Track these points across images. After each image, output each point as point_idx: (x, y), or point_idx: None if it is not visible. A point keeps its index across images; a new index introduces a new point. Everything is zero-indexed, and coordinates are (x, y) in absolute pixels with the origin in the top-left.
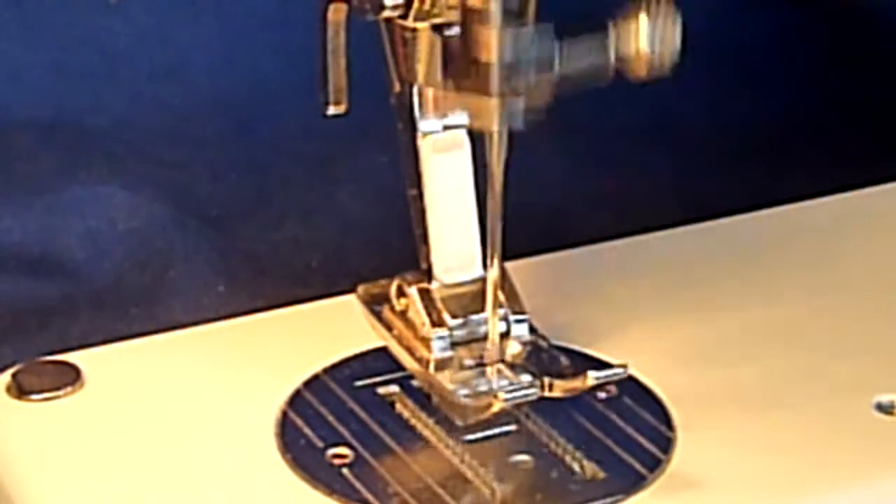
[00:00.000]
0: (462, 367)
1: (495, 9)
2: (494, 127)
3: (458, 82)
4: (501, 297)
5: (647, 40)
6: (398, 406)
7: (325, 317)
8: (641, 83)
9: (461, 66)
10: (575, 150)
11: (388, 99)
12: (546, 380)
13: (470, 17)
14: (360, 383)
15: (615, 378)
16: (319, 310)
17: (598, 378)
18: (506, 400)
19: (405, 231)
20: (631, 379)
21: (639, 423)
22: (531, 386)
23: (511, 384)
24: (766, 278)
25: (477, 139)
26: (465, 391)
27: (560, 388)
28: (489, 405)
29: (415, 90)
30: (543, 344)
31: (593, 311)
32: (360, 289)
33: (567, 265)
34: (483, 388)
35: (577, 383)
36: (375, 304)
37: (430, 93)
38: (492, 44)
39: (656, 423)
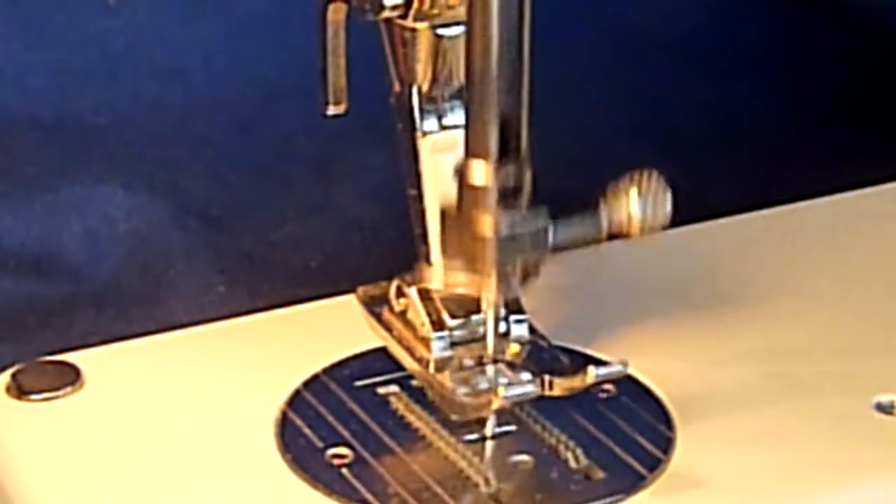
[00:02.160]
0: (462, 367)
1: (492, 189)
2: (492, 297)
3: (455, 260)
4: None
5: (638, 208)
6: (398, 406)
7: (325, 317)
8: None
9: (460, 245)
10: (575, 149)
11: (388, 99)
12: (546, 378)
13: (468, 198)
14: (359, 383)
15: (615, 376)
16: (319, 310)
17: (597, 376)
18: (505, 398)
19: (405, 231)
20: (631, 379)
21: (639, 422)
22: (531, 384)
23: (511, 382)
24: (765, 278)
25: None
26: (464, 390)
27: (560, 386)
28: (489, 403)
29: (415, 90)
30: (543, 344)
31: (593, 311)
32: (360, 290)
33: (567, 265)
34: (483, 386)
35: (576, 381)
36: (375, 305)
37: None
38: (487, 224)
39: (656, 422)
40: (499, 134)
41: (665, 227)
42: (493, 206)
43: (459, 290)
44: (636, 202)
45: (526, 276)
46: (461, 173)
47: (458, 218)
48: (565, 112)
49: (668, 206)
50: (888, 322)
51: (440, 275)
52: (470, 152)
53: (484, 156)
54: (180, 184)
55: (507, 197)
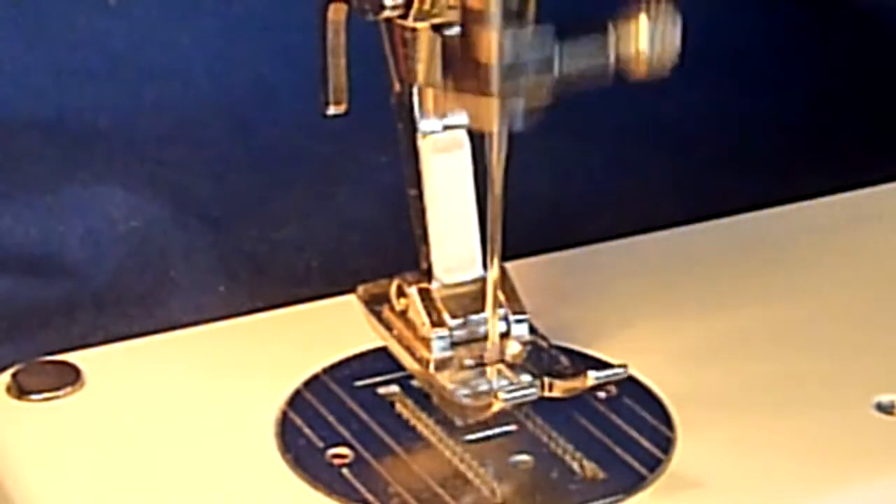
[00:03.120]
0: (462, 367)
1: (495, 10)
2: (494, 128)
3: (457, 83)
4: (501, 297)
5: (647, 41)
6: (398, 406)
7: (325, 317)
8: (641, 83)
9: (461, 67)
10: (575, 150)
11: (388, 99)
12: (546, 380)
13: (470, 18)
14: (360, 383)
15: (615, 378)
16: (319, 310)
17: (598, 378)
18: (506, 400)
19: (405, 231)
20: (631, 379)
21: (639, 423)
22: (531, 386)
23: (511, 384)
24: (765, 278)
25: (477, 139)
26: (465, 391)
27: (560, 388)
28: (489, 405)
29: (415, 90)
30: (543, 344)
31: (593, 311)
32: (360, 289)
33: (567, 265)
34: (483, 388)
35: (577, 383)
36: (375, 304)
37: (430, 93)
38: (492, 45)
39: (656, 423)
40: None
41: (674, 62)
42: (497, 26)
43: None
44: (645, 28)
45: (531, 108)
46: None
47: (461, 42)
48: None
49: (678, 40)
50: (888, 322)
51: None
52: None
53: None
54: (180, 184)
55: (512, 17)
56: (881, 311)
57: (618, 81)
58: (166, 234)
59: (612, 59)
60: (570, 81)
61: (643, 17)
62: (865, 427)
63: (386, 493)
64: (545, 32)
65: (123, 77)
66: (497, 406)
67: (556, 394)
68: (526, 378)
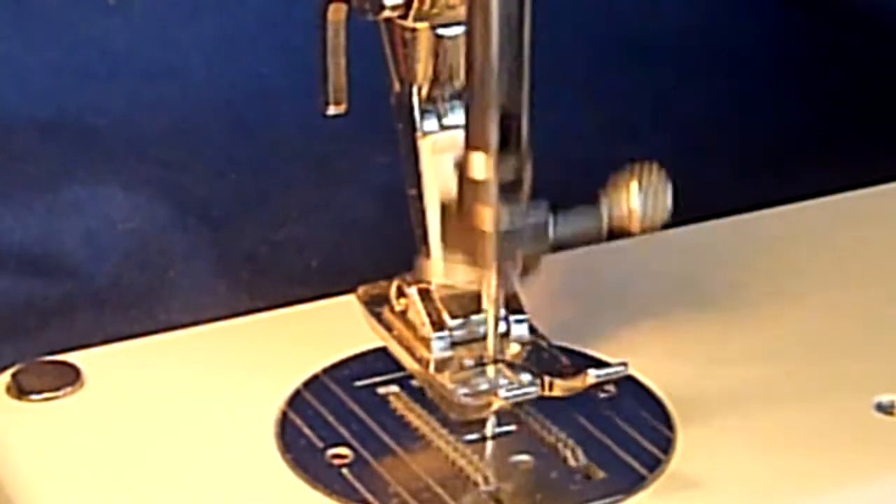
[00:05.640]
0: (462, 368)
1: (493, 182)
2: (492, 292)
3: (455, 252)
4: (501, 297)
5: (638, 203)
6: (398, 406)
7: (325, 317)
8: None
9: (459, 236)
10: (574, 149)
11: (388, 99)
12: (546, 379)
13: (468, 192)
14: (359, 383)
15: (615, 377)
16: (319, 310)
17: (598, 377)
18: (505, 399)
19: (405, 231)
20: (631, 379)
21: (639, 422)
22: (531, 385)
23: (511, 383)
24: (765, 278)
25: None
26: (464, 391)
27: (560, 387)
28: (489, 404)
29: (415, 90)
30: (543, 344)
31: (593, 311)
32: (360, 289)
33: (567, 265)
34: (483, 387)
35: (576, 383)
36: (375, 305)
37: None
38: (487, 217)
39: (656, 423)
40: (499, 127)
41: (665, 223)
42: (493, 199)
43: (459, 282)
44: (636, 195)
45: (526, 270)
46: (461, 167)
47: (458, 212)
48: (564, 112)
49: (669, 200)
50: (888, 322)
51: (440, 268)
52: (470, 145)
53: (484, 149)
54: (180, 184)
55: (508, 190)
56: (881, 311)
57: (618, 81)
58: (166, 234)
59: (605, 223)
60: (565, 245)
61: (634, 184)
62: (865, 427)
63: (386, 493)
64: (539, 205)
65: (123, 77)
66: (497, 405)
67: (555, 393)
68: (526, 377)
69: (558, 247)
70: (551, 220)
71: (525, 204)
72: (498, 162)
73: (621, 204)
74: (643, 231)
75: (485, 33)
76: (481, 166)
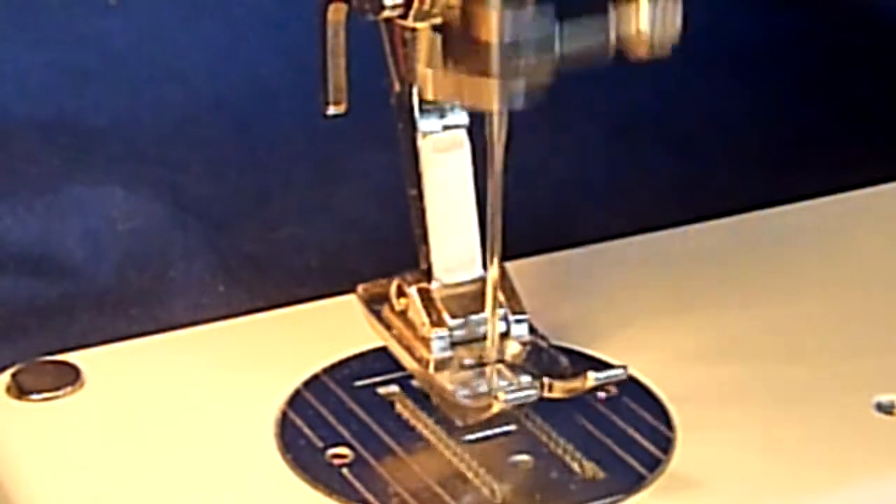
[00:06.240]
0: (462, 368)
1: None
2: (495, 107)
3: (458, 64)
4: (501, 297)
5: (647, 21)
6: (398, 406)
7: (325, 317)
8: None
9: (461, 48)
10: (575, 149)
11: (388, 99)
12: (546, 380)
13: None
14: (359, 383)
15: (615, 379)
16: (319, 310)
17: (598, 379)
18: (506, 401)
19: (405, 231)
20: (631, 379)
21: (639, 423)
22: (531, 387)
23: (511, 385)
24: (765, 278)
25: (477, 140)
26: (464, 392)
27: (560, 388)
28: (489, 406)
29: (415, 90)
30: (543, 344)
31: (593, 311)
32: (360, 288)
33: (567, 265)
34: (483, 388)
35: (576, 384)
36: (375, 304)
37: (429, 75)
38: (492, 24)
39: (656, 423)
40: None
41: (674, 41)
42: (497, 5)
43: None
44: (645, 8)
45: (531, 88)
46: None
47: (461, 23)
48: (565, 112)
49: (679, 20)
50: (888, 322)
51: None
52: None
53: None
54: (180, 184)
55: None
56: (881, 311)
57: (618, 80)
58: (166, 234)
59: (612, 38)
60: (571, 60)
61: (643, 1)
62: (865, 427)
63: (386, 493)
64: (545, 12)
65: (123, 77)
66: (497, 407)
67: (555, 394)
68: (526, 379)
69: (564, 62)
70: (557, 31)
71: (531, 8)
72: None
73: (630, 21)
74: (651, 54)
75: None
76: None
